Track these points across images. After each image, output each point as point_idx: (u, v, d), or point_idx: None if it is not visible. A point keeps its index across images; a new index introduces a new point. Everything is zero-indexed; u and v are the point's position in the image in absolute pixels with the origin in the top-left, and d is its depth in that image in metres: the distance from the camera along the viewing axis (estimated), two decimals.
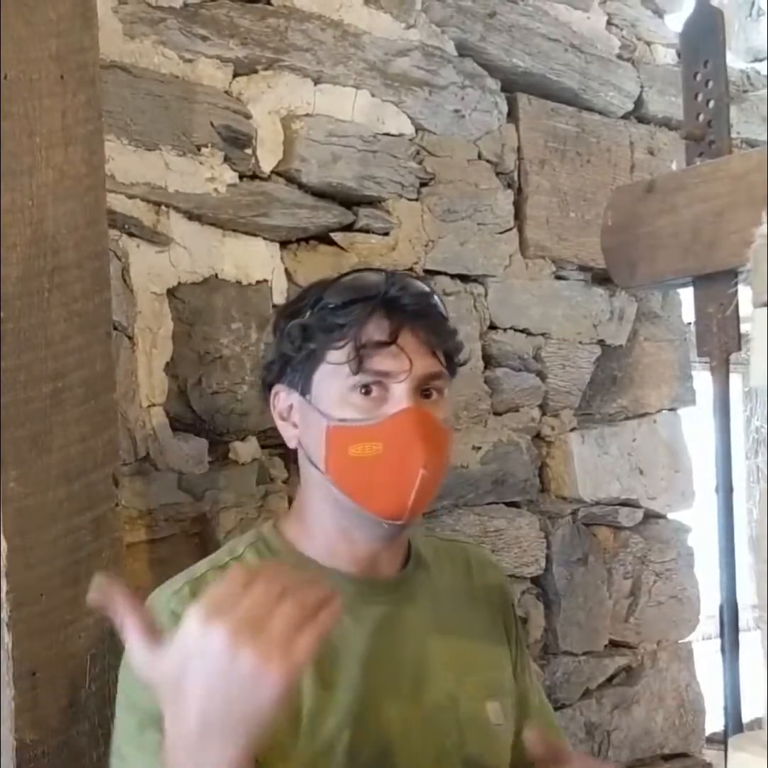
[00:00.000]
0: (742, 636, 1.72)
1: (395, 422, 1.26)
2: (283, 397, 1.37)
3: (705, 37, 1.71)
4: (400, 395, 1.27)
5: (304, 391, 1.33)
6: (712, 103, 1.71)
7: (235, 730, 0.92)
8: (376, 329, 1.27)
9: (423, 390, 1.30)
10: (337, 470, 1.30)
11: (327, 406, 1.29)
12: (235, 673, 0.90)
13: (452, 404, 1.39)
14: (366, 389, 1.27)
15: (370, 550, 1.35)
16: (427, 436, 1.26)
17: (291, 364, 1.34)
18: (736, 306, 1.59)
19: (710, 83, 1.71)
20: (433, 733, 1.32)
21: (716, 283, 1.64)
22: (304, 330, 1.32)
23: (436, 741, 1.31)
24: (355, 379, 1.27)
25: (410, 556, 1.43)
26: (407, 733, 1.29)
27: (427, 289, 1.36)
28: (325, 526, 1.35)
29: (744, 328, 1.57)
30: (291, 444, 1.38)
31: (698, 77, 1.73)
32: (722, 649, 1.73)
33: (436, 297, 1.37)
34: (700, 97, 1.73)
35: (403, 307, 1.29)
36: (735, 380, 2.00)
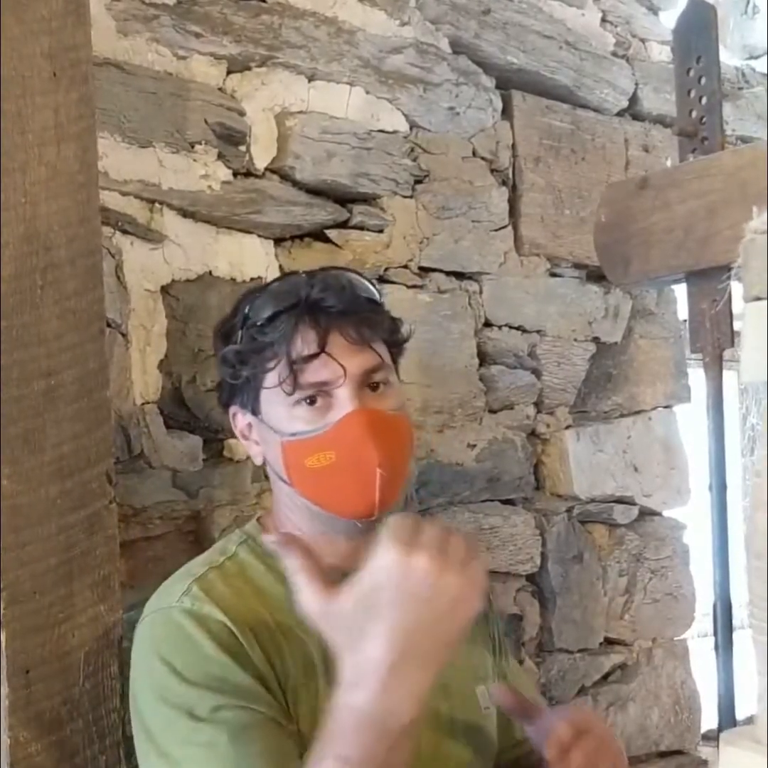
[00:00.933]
0: (736, 634, 1.73)
1: (342, 428, 1.27)
2: (240, 418, 1.38)
3: (698, 34, 1.71)
4: (342, 400, 1.27)
5: (255, 411, 1.34)
6: (704, 100, 1.71)
7: (435, 653, 1.01)
8: (303, 342, 1.27)
9: (369, 384, 1.30)
10: (300, 482, 1.31)
11: (278, 423, 1.30)
12: (443, 596, 0.99)
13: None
14: (310, 400, 1.28)
15: (352, 545, 1.35)
16: (376, 433, 1.27)
17: (236, 388, 1.35)
18: (729, 302, 1.59)
19: (703, 80, 1.71)
20: (427, 716, 1.32)
21: (709, 280, 1.64)
22: (238, 354, 1.32)
23: (430, 723, 1.31)
24: (295, 395, 1.27)
25: None
26: None
27: (350, 280, 1.34)
28: (304, 531, 1.35)
29: (738, 324, 1.57)
30: (257, 461, 1.39)
31: (691, 74, 1.73)
32: (716, 647, 1.73)
33: (362, 286, 1.35)
34: (692, 94, 1.73)
35: (327, 310, 1.28)
36: (730, 377, 2.00)
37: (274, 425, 1.31)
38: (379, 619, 0.99)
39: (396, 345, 1.39)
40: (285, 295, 1.30)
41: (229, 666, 1.20)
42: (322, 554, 1.32)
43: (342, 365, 1.26)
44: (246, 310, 1.33)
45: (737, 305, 1.41)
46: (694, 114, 1.73)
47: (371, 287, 1.37)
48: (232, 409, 1.38)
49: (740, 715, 1.80)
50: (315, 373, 1.27)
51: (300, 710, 1.23)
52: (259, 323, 1.30)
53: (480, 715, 1.40)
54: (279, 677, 1.23)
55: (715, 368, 1.69)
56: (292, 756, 1.15)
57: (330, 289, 1.29)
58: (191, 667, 1.20)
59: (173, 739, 1.18)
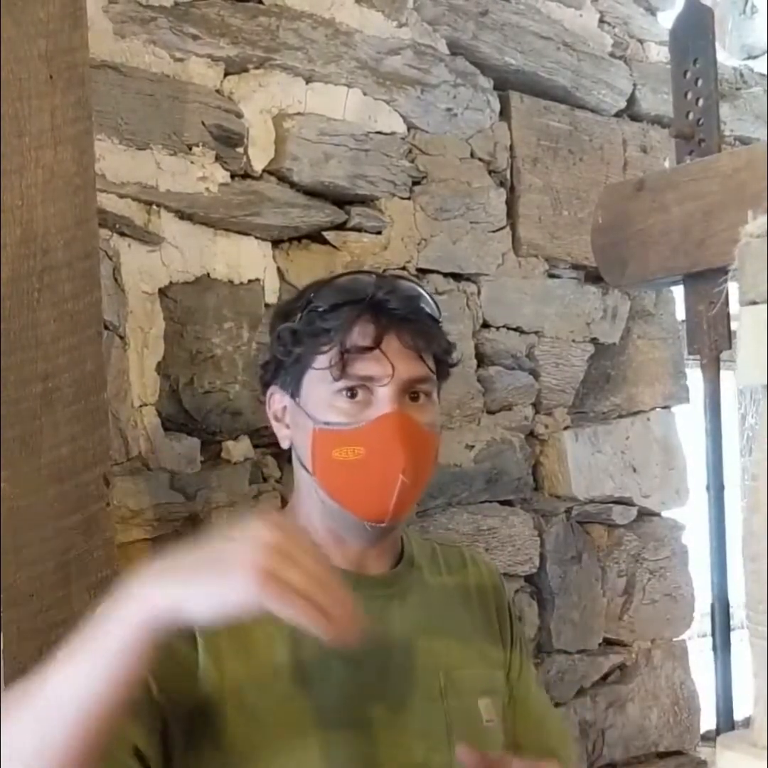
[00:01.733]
0: (734, 634, 1.72)
1: (377, 427, 1.28)
2: (277, 399, 1.39)
3: (695, 36, 1.71)
4: (383, 399, 1.28)
5: (294, 393, 1.35)
6: (701, 102, 1.71)
7: (185, 570, 1.00)
8: (360, 334, 1.28)
9: (410, 393, 1.31)
10: (322, 472, 1.32)
11: (314, 409, 1.31)
12: (236, 552, 0.98)
13: (444, 405, 1.38)
14: (351, 392, 1.29)
15: (359, 549, 1.37)
16: (408, 441, 1.28)
17: (283, 367, 1.36)
18: (726, 304, 1.59)
19: (700, 81, 1.71)
20: (422, 728, 1.32)
21: (706, 281, 1.64)
22: (294, 334, 1.34)
23: (423, 733, 1.31)
24: (339, 383, 1.28)
25: (403, 555, 1.44)
26: (394, 727, 1.30)
27: (417, 291, 1.37)
28: (315, 525, 1.36)
29: (735, 325, 1.57)
30: (284, 444, 1.40)
31: (688, 75, 1.73)
32: (714, 648, 1.73)
33: (426, 299, 1.37)
34: (689, 96, 1.73)
35: (390, 311, 1.30)
36: (728, 377, 2.00)
37: (309, 410, 1.32)
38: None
39: (446, 366, 1.40)
40: (351, 290, 1.32)
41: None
42: (330, 555, 1.34)
43: (392, 364, 1.28)
44: (310, 296, 1.34)
45: (734, 307, 1.41)
46: (691, 116, 1.73)
47: (434, 304, 1.39)
48: (271, 389, 1.40)
49: (739, 716, 1.80)
50: (365, 366, 1.28)
51: (259, 709, 1.23)
52: (320, 309, 1.31)
53: (481, 728, 1.38)
54: (225, 681, 1.22)
55: (712, 370, 1.70)
56: None
57: (395, 293, 1.31)
58: None
59: None
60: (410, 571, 1.44)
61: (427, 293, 1.40)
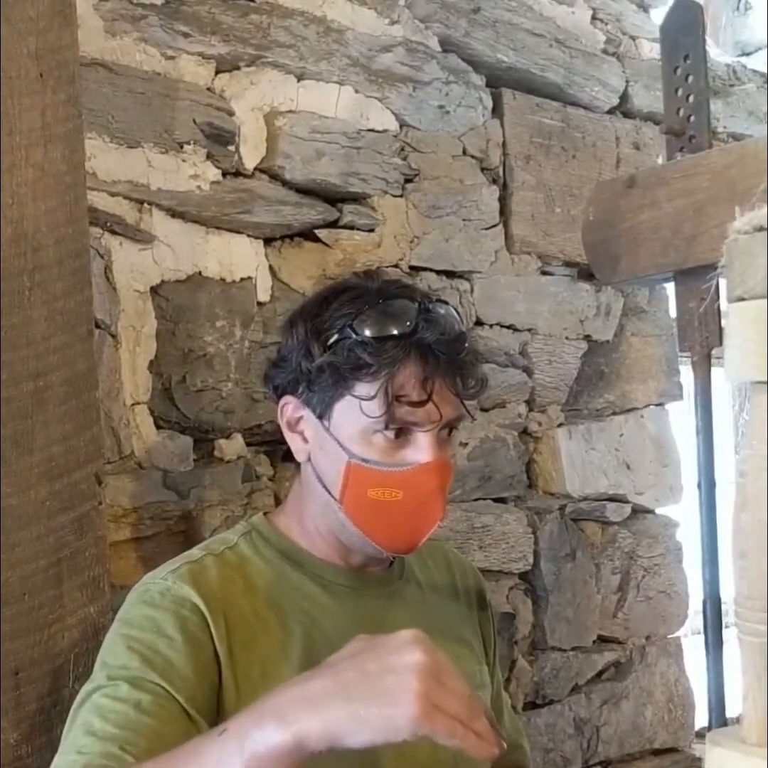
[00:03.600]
0: (727, 631, 1.72)
1: (417, 475, 1.27)
2: (290, 409, 1.34)
3: (685, 32, 1.71)
4: (424, 445, 1.27)
5: (322, 415, 1.30)
6: (692, 98, 1.71)
7: (340, 698, 0.94)
8: (407, 380, 1.25)
9: (447, 428, 1.31)
10: (353, 506, 1.30)
11: (347, 440, 1.28)
12: (395, 682, 0.94)
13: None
14: (395, 433, 1.27)
15: (363, 559, 1.38)
16: (444, 488, 1.29)
17: (309, 383, 1.31)
18: (717, 300, 1.59)
19: (690, 78, 1.70)
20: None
21: (697, 278, 1.64)
22: (332, 365, 1.27)
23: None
24: (382, 424, 1.26)
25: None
26: None
27: (460, 329, 1.32)
28: (323, 533, 1.37)
29: (726, 322, 1.57)
30: (299, 457, 1.36)
31: (678, 72, 1.73)
32: (706, 645, 1.73)
33: (465, 332, 1.33)
34: (680, 92, 1.72)
35: (437, 353, 1.26)
36: (720, 374, 2.00)
37: (342, 440, 1.28)
38: (356, 651, 1.00)
39: (474, 399, 1.38)
40: (394, 321, 1.27)
41: (179, 647, 1.20)
42: (332, 555, 1.37)
43: (441, 412, 1.26)
44: (351, 319, 1.27)
45: (725, 303, 1.41)
46: (681, 112, 1.73)
47: (468, 334, 1.35)
48: (287, 398, 1.34)
49: (732, 712, 1.80)
50: (412, 413, 1.25)
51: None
52: (360, 340, 1.26)
53: None
54: (238, 668, 1.23)
55: (703, 367, 1.69)
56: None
57: (441, 330, 1.27)
58: (143, 635, 1.21)
59: (89, 685, 1.19)
60: (404, 570, 1.45)
61: (456, 314, 1.35)
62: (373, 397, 1.25)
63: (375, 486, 1.27)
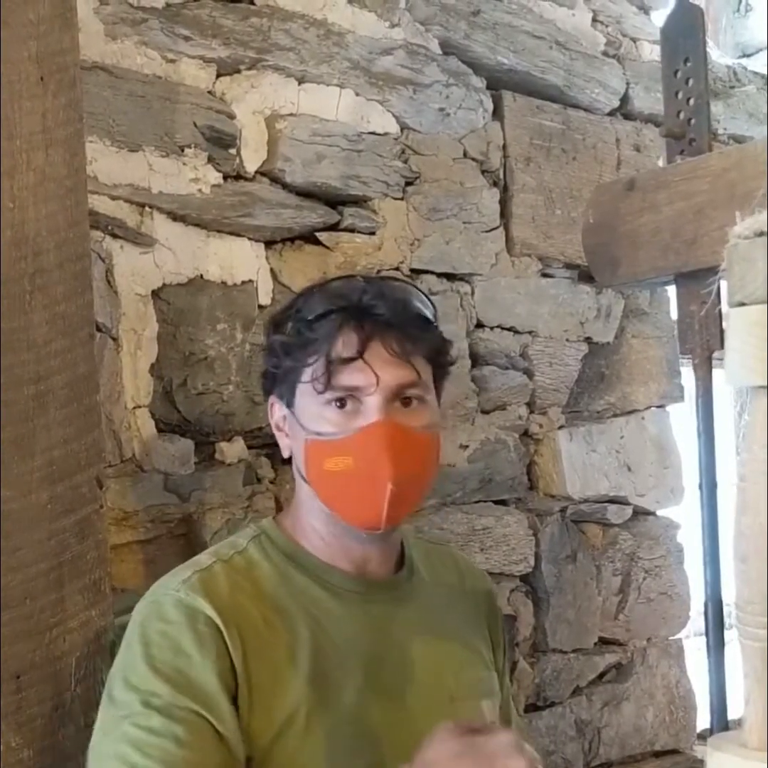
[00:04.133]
0: (728, 633, 1.73)
1: (363, 437, 1.27)
2: (277, 408, 1.38)
3: (685, 35, 1.71)
4: (370, 408, 1.27)
5: (290, 404, 1.34)
6: (692, 101, 1.71)
7: None
8: (344, 344, 1.27)
9: (401, 399, 1.30)
10: (316, 482, 1.32)
11: (306, 420, 1.31)
12: None
13: (437, 413, 1.38)
14: (340, 403, 1.28)
15: (363, 552, 1.37)
16: (395, 448, 1.26)
17: (277, 378, 1.36)
18: (717, 303, 1.59)
19: (690, 81, 1.71)
20: (432, 731, 1.32)
21: (697, 281, 1.64)
22: (283, 346, 1.33)
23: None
24: (326, 395, 1.28)
25: (404, 557, 1.44)
26: (403, 731, 1.30)
27: (406, 294, 1.34)
28: (318, 529, 1.37)
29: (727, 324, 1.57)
30: (285, 454, 1.39)
31: (679, 75, 1.73)
32: (707, 647, 1.73)
33: (416, 301, 1.35)
34: (680, 95, 1.72)
35: (375, 317, 1.28)
36: (721, 377, 2.00)
37: (303, 421, 1.31)
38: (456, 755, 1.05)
39: (441, 366, 1.39)
40: (337, 296, 1.30)
41: (199, 664, 1.20)
42: (336, 559, 1.35)
43: (376, 374, 1.26)
44: (299, 304, 1.33)
45: (726, 306, 1.42)
46: (681, 115, 1.73)
47: (426, 303, 1.37)
48: (271, 398, 1.39)
49: (733, 715, 1.80)
50: (349, 376, 1.27)
51: (273, 708, 1.24)
52: (308, 318, 1.30)
53: None
54: (252, 678, 1.23)
55: (704, 369, 1.69)
56: None
57: (383, 297, 1.29)
58: (163, 654, 1.21)
59: (117, 712, 1.19)
60: (412, 574, 1.45)
61: (420, 294, 1.38)
62: (312, 364, 1.28)
63: (329, 456, 1.28)
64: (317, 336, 1.28)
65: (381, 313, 1.28)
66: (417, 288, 1.39)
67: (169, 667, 1.20)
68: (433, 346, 1.35)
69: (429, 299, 1.39)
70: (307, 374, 1.29)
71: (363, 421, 1.27)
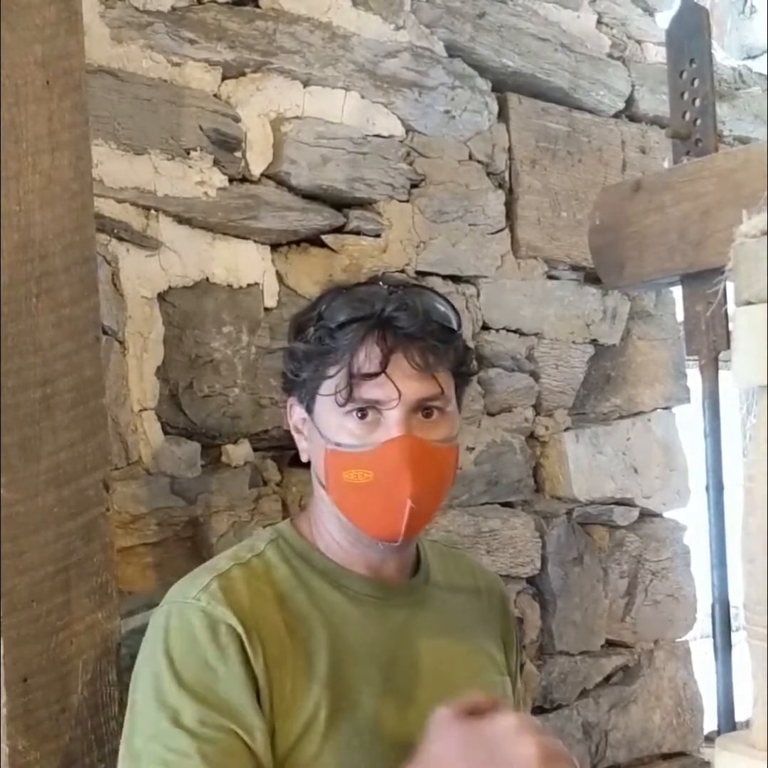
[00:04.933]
0: (735, 635, 1.72)
1: (384, 452, 1.26)
2: (296, 410, 1.38)
3: (690, 36, 1.71)
4: (391, 422, 1.27)
5: (309, 409, 1.34)
6: (698, 102, 1.71)
7: None
8: (366, 357, 1.26)
9: (423, 410, 1.29)
10: (335, 493, 1.32)
11: (326, 429, 1.30)
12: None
13: (458, 424, 1.37)
14: (361, 413, 1.27)
15: (381, 558, 1.37)
16: (415, 464, 1.26)
17: (295, 379, 1.35)
18: (724, 304, 1.59)
19: (696, 82, 1.71)
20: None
21: (704, 282, 1.64)
22: (305, 353, 1.32)
23: None
24: (346, 407, 1.27)
25: (420, 561, 1.44)
26: (417, 736, 1.29)
27: (430, 304, 1.32)
28: (335, 534, 1.37)
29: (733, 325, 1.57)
30: (304, 458, 1.39)
31: (684, 76, 1.73)
32: (715, 649, 1.73)
33: (439, 312, 1.33)
34: (686, 96, 1.73)
35: (398, 329, 1.27)
36: (728, 378, 2.00)
37: (322, 430, 1.31)
38: (463, 746, 1.05)
39: (463, 375, 1.38)
40: (361, 304, 1.29)
41: (225, 678, 1.21)
42: (354, 563, 1.35)
43: (398, 389, 1.26)
44: (322, 308, 1.32)
45: (732, 307, 1.42)
46: (687, 116, 1.73)
47: (450, 314, 1.35)
48: (291, 400, 1.39)
49: (741, 717, 1.80)
50: (370, 390, 1.26)
51: (292, 713, 1.24)
52: (330, 326, 1.29)
53: None
54: (273, 685, 1.23)
55: (710, 370, 1.69)
56: None
57: (406, 308, 1.28)
58: (189, 668, 1.21)
59: (145, 730, 1.20)
60: (428, 579, 1.45)
61: (444, 302, 1.36)
62: (333, 376, 1.27)
63: (348, 468, 1.28)
64: (339, 346, 1.27)
65: (403, 325, 1.27)
66: (441, 296, 1.38)
67: (195, 682, 1.20)
68: (456, 357, 1.35)
69: (453, 307, 1.37)
70: (328, 386, 1.29)
71: (384, 435, 1.26)
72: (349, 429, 1.28)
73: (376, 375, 1.25)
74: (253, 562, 1.33)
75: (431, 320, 1.30)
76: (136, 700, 1.24)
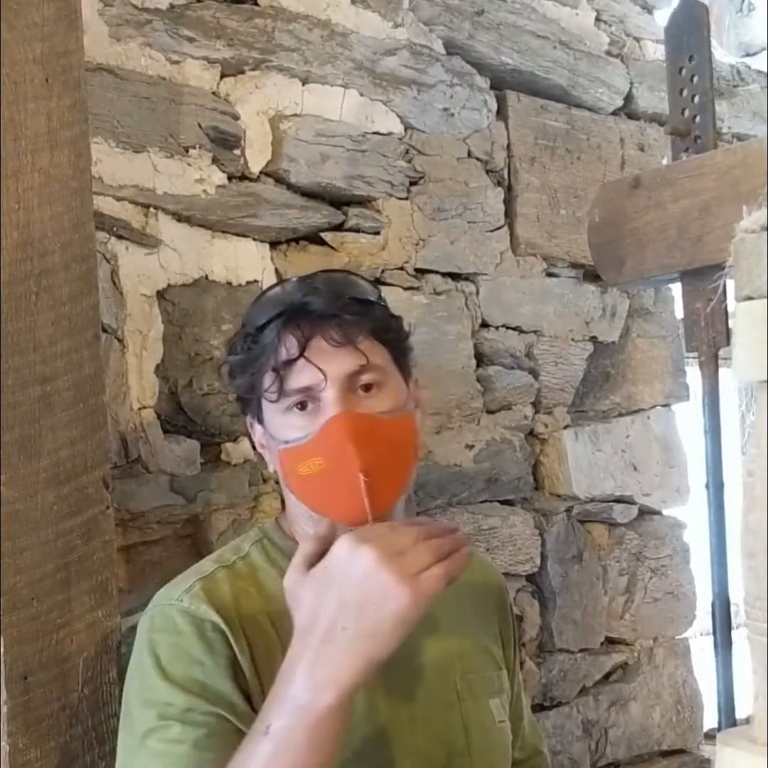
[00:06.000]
0: (735, 632, 1.72)
1: (324, 434, 1.24)
2: (256, 428, 1.38)
3: (690, 33, 1.71)
4: (327, 404, 1.25)
5: (260, 420, 1.34)
6: (697, 99, 1.71)
7: (360, 643, 1.04)
8: (286, 348, 1.26)
9: (361, 386, 1.27)
10: (297, 489, 1.31)
11: (276, 431, 1.30)
12: (372, 589, 1.04)
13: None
14: (301, 405, 1.27)
15: None
16: (360, 438, 1.23)
17: (247, 399, 1.35)
18: (723, 300, 1.59)
19: (695, 78, 1.71)
20: (440, 731, 1.32)
21: (703, 278, 1.64)
22: (237, 364, 1.33)
23: (443, 738, 1.32)
24: (283, 402, 1.27)
25: None
26: (415, 730, 1.30)
27: (339, 282, 1.32)
28: (311, 532, 1.35)
29: (733, 322, 1.57)
30: (270, 469, 1.38)
31: (683, 72, 1.73)
32: (715, 645, 1.73)
33: (349, 286, 1.32)
34: (685, 93, 1.72)
35: (310, 314, 1.26)
36: (728, 375, 2.00)
37: (274, 434, 1.30)
38: (323, 606, 1.06)
39: (395, 343, 1.35)
40: (274, 303, 1.30)
41: (212, 670, 1.21)
42: None
43: (321, 369, 1.24)
44: (245, 319, 1.33)
45: (732, 303, 1.42)
46: (686, 113, 1.73)
47: (363, 286, 1.34)
48: (248, 419, 1.38)
49: (741, 713, 1.80)
50: (296, 378, 1.25)
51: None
52: (250, 332, 1.30)
53: (494, 728, 1.39)
54: (263, 685, 1.22)
55: (710, 367, 1.69)
56: None
57: (315, 292, 1.28)
58: (175, 664, 1.21)
59: (137, 730, 1.20)
60: None
61: (357, 278, 1.35)
62: (264, 373, 1.28)
63: (301, 461, 1.26)
64: (263, 347, 1.28)
65: (314, 308, 1.26)
66: (355, 274, 1.37)
67: (182, 676, 1.20)
68: (377, 325, 1.31)
69: (369, 281, 1.37)
70: (261, 388, 1.29)
71: (324, 419, 1.25)
72: (293, 424, 1.27)
73: (294, 361, 1.25)
74: (238, 564, 1.33)
75: (342, 296, 1.29)
76: (129, 703, 1.24)
